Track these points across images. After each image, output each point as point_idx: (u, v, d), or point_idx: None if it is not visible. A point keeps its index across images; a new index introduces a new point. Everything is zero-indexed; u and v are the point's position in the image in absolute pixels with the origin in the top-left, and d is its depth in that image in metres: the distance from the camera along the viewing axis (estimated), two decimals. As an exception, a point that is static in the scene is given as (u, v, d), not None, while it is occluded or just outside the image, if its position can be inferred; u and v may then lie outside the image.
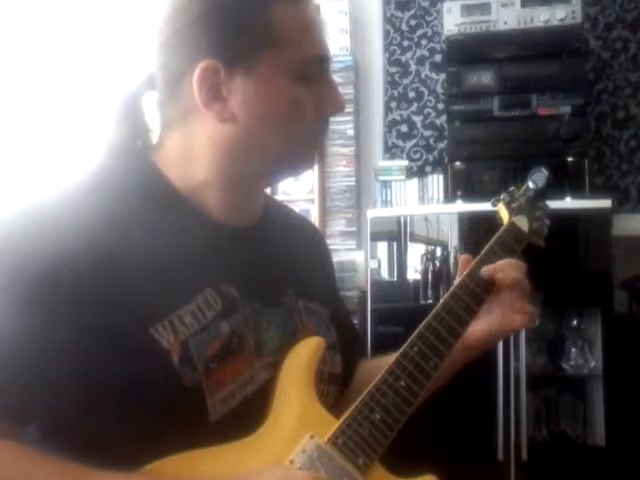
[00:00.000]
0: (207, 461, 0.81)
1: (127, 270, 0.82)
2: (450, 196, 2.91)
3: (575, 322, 2.77)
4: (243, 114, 0.88)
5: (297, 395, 0.88)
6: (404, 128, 3.35)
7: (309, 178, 3.17)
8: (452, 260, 2.85)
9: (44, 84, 3.24)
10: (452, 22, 2.93)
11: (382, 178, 3.11)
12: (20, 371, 0.78)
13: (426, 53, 3.34)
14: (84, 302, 0.79)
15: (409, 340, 0.93)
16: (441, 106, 3.26)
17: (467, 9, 2.91)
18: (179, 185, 0.91)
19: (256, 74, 0.87)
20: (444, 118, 3.18)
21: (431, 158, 3.32)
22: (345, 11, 3.29)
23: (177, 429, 0.79)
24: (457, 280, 1.00)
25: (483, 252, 1.02)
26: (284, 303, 0.95)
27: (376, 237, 2.99)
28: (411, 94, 3.35)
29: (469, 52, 2.92)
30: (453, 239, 2.93)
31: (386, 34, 3.39)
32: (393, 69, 3.37)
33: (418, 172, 3.25)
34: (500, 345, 2.56)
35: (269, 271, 0.95)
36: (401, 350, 0.93)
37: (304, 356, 0.91)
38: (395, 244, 3.01)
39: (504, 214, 1.09)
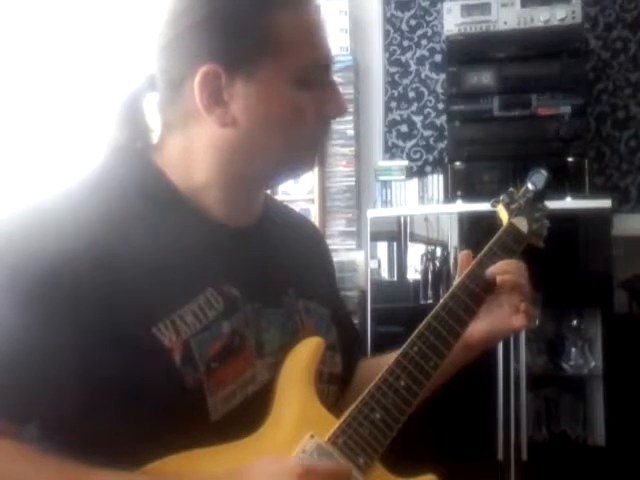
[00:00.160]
0: (207, 461, 0.81)
1: (128, 270, 0.82)
2: (450, 196, 2.91)
3: (575, 322, 2.77)
4: (244, 119, 0.88)
5: (297, 395, 0.89)
6: (404, 128, 3.35)
7: (309, 178, 3.17)
8: (452, 260, 2.85)
9: (45, 85, 3.24)
10: (452, 22, 2.93)
11: (382, 178, 3.11)
12: (20, 371, 0.78)
13: (426, 53, 3.34)
14: (84, 302, 0.80)
15: (409, 340, 0.94)
16: (441, 106, 3.26)
17: (467, 9, 2.91)
18: (180, 185, 0.91)
19: (257, 79, 0.87)
20: (444, 118, 3.18)
21: (431, 158, 3.32)
22: (345, 11, 3.29)
23: (178, 429, 0.79)
24: (457, 280, 1.01)
25: (482, 253, 1.03)
26: (284, 303, 0.95)
27: (376, 237, 2.99)
28: (411, 94, 3.35)
29: (469, 52, 2.92)
30: (453, 239, 2.93)
31: (386, 34, 3.39)
32: (393, 69, 3.37)
33: (418, 172, 3.25)
34: (500, 345, 2.56)
35: (269, 271, 0.95)
36: (401, 350, 0.93)
37: (304, 356, 0.91)
38: (395, 244, 3.01)
39: (503, 215, 1.09)
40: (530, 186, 1.12)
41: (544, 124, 2.82)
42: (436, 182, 3.06)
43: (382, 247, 3.03)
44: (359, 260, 3.20)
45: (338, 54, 3.18)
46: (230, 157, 0.90)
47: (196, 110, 0.88)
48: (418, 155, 3.33)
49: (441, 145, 3.28)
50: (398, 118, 3.36)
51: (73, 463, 0.77)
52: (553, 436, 2.74)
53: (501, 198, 1.11)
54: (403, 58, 3.37)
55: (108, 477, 0.77)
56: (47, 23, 3.28)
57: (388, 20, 3.39)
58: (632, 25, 3.10)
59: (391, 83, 3.37)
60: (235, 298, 0.88)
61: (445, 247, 2.91)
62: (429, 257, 2.90)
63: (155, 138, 0.96)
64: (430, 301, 2.83)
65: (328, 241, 1.24)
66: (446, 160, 3.08)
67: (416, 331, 0.94)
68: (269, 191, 1.09)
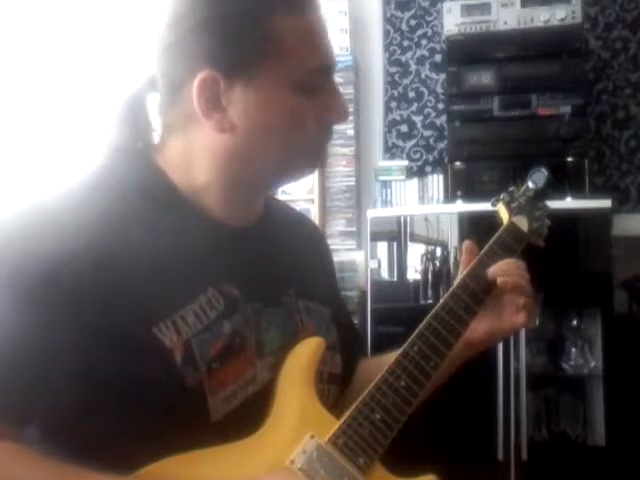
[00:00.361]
0: (207, 462, 0.81)
1: (128, 270, 0.82)
2: (450, 196, 2.91)
3: (575, 322, 2.77)
4: (242, 124, 0.88)
5: (297, 395, 0.89)
6: (404, 128, 3.35)
7: (309, 178, 3.17)
8: (452, 260, 2.85)
9: (45, 85, 3.24)
10: (452, 22, 2.93)
11: (382, 178, 3.11)
12: (20, 371, 0.78)
13: (426, 53, 3.34)
14: (84, 302, 0.79)
15: (409, 340, 0.94)
16: (441, 106, 3.26)
17: (467, 9, 2.91)
18: (180, 185, 0.91)
19: (256, 84, 0.87)
20: (444, 118, 3.18)
21: (431, 158, 3.32)
22: (345, 11, 3.29)
23: (178, 429, 0.79)
24: (457, 279, 1.01)
25: (483, 252, 1.03)
26: (284, 303, 0.95)
27: (376, 237, 2.99)
28: (411, 94, 3.35)
29: (469, 52, 2.92)
30: (453, 239, 2.93)
31: (386, 34, 3.39)
32: (393, 69, 3.37)
33: (418, 172, 3.25)
34: (500, 345, 2.56)
35: (269, 271, 0.95)
36: (401, 350, 0.93)
37: (304, 356, 0.91)
38: (395, 244, 3.01)
39: (504, 214, 1.09)
40: (530, 185, 1.12)
41: (544, 124, 2.81)
42: (436, 182, 3.06)
43: (382, 247, 3.03)
44: (359, 260, 3.20)
45: (338, 54, 3.18)
46: (229, 161, 0.90)
47: (195, 114, 0.88)
48: (418, 155, 3.33)
49: (441, 145, 3.28)
50: (398, 118, 3.36)
51: (72, 465, 0.77)
52: (553, 436, 2.74)
53: (501, 197, 1.11)
54: (403, 58, 3.37)
55: None
56: (48, 23, 3.28)
57: (388, 20, 3.39)
58: (632, 25, 3.10)
59: (391, 83, 3.37)
60: (235, 298, 0.88)
61: (445, 247, 2.91)
62: (429, 257, 2.90)
63: (156, 138, 0.96)
64: (430, 301, 2.83)
65: (328, 241, 1.24)
66: (446, 160, 3.08)
67: (416, 331, 0.94)
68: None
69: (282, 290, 0.96)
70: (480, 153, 2.89)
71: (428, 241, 2.93)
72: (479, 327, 1.00)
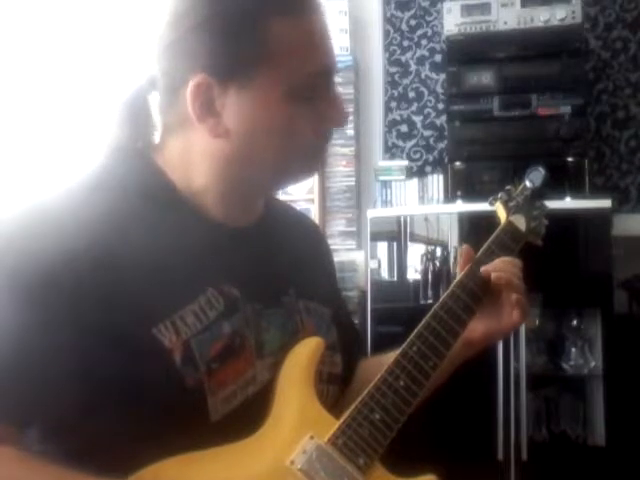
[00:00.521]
0: (207, 462, 0.81)
1: (128, 270, 0.82)
2: (450, 196, 2.91)
3: (575, 322, 2.77)
4: (237, 129, 0.87)
5: (297, 395, 0.89)
6: (404, 128, 3.35)
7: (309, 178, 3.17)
8: (452, 260, 2.85)
9: (46, 85, 3.24)
10: (452, 22, 2.93)
11: (382, 178, 3.11)
12: (20, 372, 0.78)
13: (426, 53, 3.34)
14: (84, 302, 0.79)
15: (408, 340, 0.93)
16: (441, 106, 3.26)
17: (467, 9, 2.91)
18: (179, 185, 0.91)
19: (252, 87, 0.85)
20: (444, 118, 3.18)
21: (431, 158, 3.32)
22: (345, 11, 3.29)
23: (178, 429, 0.79)
24: (456, 279, 1.01)
25: (481, 251, 1.03)
26: (284, 303, 0.95)
27: (376, 237, 2.99)
28: (411, 94, 3.35)
29: (469, 52, 2.92)
30: (453, 239, 2.93)
31: (386, 34, 3.39)
32: (393, 69, 3.37)
33: (418, 172, 3.25)
34: (500, 345, 2.56)
35: (269, 271, 0.95)
36: (400, 350, 0.93)
37: (303, 356, 0.91)
38: (395, 244, 3.01)
39: (501, 213, 1.09)
40: (528, 184, 1.12)
41: (544, 124, 2.82)
42: (436, 182, 3.06)
43: (382, 247, 3.03)
44: (359, 260, 3.20)
45: (338, 54, 3.18)
46: (226, 165, 0.90)
47: (192, 117, 0.87)
48: (418, 155, 3.33)
49: (441, 145, 3.29)
50: (398, 118, 3.36)
51: (72, 470, 0.77)
52: (553, 436, 2.74)
53: (499, 196, 1.10)
54: (403, 58, 3.37)
55: None
56: (48, 23, 3.28)
57: (388, 20, 3.39)
58: (632, 25, 3.10)
59: (391, 83, 3.37)
60: (235, 298, 0.88)
61: (445, 247, 2.91)
62: (429, 257, 2.90)
63: (157, 138, 0.96)
64: (430, 301, 2.83)
65: (328, 241, 1.24)
66: (446, 160, 3.08)
67: (415, 331, 0.94)
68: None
69: (282, 290, 0.96)
70: (480, 153, 2.89)
71: (428, 241, 2.93)
72: (478, 326, 1.01)
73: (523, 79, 2.87)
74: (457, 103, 2.93)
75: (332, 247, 1.22)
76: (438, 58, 3.31)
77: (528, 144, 2.84)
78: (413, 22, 3.36)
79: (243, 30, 0.85)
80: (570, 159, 2.76)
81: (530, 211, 1.09)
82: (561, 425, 2.75)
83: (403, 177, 3.09)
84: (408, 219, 2.97)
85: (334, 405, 0.95)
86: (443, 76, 3.22)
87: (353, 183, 3.29)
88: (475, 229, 2.79)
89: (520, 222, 1.07)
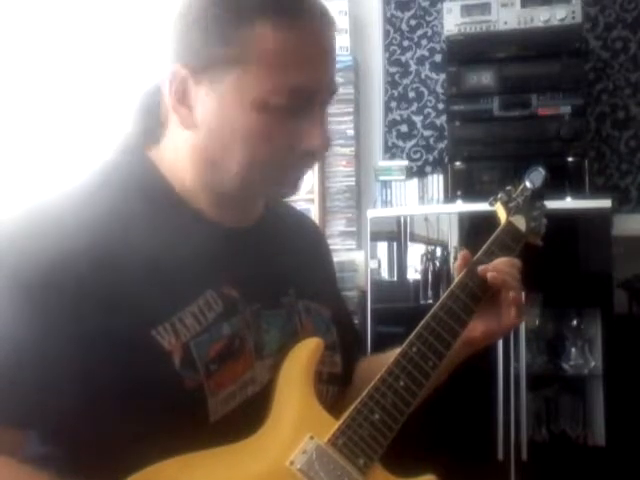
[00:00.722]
0: (207, 463, 0.81)
1: (128, 271, 0.82)
2: (450, 196, 2.91)
3: (575, 322, 2.77)
4: (203, 124, 0.86)
5: (296, 396, 0.89)
6: (404, 128, 3.35)
7: (309, 178, 3.17)
8: (452, 260, 2.85)
9: (46, 85, 3.24)
10: (452, 22, 2.93)
11: (382, 178, 3.11)
12: (20, 373, 0.78)
13: (426, 53, 3.34)
14: (85, 303, 0.79)
15: (408, 340, 0.94)
16: (441, 106, 3.26)
17: (467, 9, 2.91)
18: (176, 185, 0.91)
19: (222, 86, 0.84)
20: (444, 118, 3.18)
21: (431, 158, 3.32)
22: (345, 11, 3.29)
23: (177, 430, 0.79)
24: (455, 280, 1.01)
25: (481, 252, 1.03)
26: (284, 304, 0.95)
27: (376, 237, 2.99)
28: (411, 94, 3.35)
29: (469, 52, 2.92)
30: (453, 239, 2.93)
31: (386, 34, 3.39)
32: (393, 69, 3.37)
33: (418, 172, 3.25)
34: (500, 345, 2.56)
35: (269, 272, 0.94)
36: (400, 350, 0.93)
37: (303, 357, 0.91)
38: (395, 244, 3.01)
39: (501, 213, 1.09)
40: (528, 184, 1.12)
41: (544, 124, 2.81)
42: (436, 182, 3.05)
43: (382, 247, 3.03)
44: (359, 260, 3.20)
45: (338, 54, 3.17)
46: (201, 162, 0.89)
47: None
48: (418, 155, 3.33)
49: (441, 145, 3.28)
50: (398, 118, 3.36)
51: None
52: (553, 436, 2.74)
53: (499, 196, 1.10)
54: (403, 58, 3.37)
55: None
56: (50, 24, 3.28)
57: (388, 20, 3.39)
58: (632, 25, 3.10)
59: (391, 83, 3.37)
60: (235, 300, 0.88)
61: (445, 247, 2.91)
62: (429, 257, 2.90)
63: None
64: (430, 301, 2.83)
65: (328, 241, 1.24)
66: (446, 160, 3.08)
67: (415, 331, 0.94)
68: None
69: (282, 291, 0.96)
70: (480, 153, 2.89)
71: (428, 241, 2.93)
72: (477, 326, 1.01)
73: (523, 79, 2.87)
74: (457, 103, 2.93)
75: (332, 247, 1.22)
76: (438, 58, 3.31)
77: (528, 144, 2.83)
78: (413, 22, 3.36)
79: (226, 28, 0.83)
80: (570, 159, 2.76)
81: (530, 211, 1.09)
82: (561, 425, 2.75)
83: (403, 177, 3.09)
84: (408, 219, 2.97)
85: (334, 405, 0.95)
86: (443, 76, 3.22)
87: (353, 183, 3.29)
88: (475, 229, 2.78)
89: (520, 222, 1.07)
